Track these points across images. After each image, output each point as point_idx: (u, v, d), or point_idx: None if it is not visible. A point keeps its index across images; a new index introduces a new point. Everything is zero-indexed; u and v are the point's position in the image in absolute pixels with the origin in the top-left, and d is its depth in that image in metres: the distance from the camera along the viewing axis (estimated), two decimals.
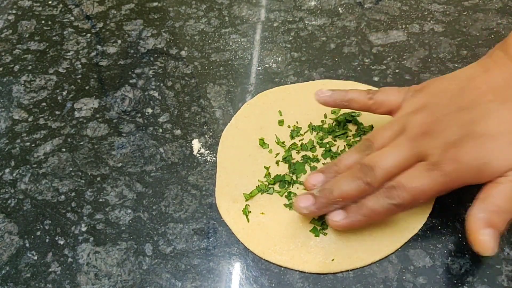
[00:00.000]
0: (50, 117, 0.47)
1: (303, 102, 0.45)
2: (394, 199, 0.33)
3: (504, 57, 0.36)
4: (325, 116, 0.44)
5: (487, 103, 0.34)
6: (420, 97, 0.37)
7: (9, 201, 0.42)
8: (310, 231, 0.37)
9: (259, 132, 0.44)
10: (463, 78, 0.37)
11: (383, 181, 0.34)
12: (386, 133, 0.36)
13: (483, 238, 0.31)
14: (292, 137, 0.43)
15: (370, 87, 0.46)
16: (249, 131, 0.44)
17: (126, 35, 0.55)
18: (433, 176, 0.33)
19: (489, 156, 0.32)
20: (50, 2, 0.60)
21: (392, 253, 0.36)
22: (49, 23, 0.57)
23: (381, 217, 0.35)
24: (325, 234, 0.37)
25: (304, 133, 0.43)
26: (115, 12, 0.58)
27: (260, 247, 0.37)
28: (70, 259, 0.38)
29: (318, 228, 0.37)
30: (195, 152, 0.44)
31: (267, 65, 0.50)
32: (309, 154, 0.42)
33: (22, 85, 0.51)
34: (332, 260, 0.36)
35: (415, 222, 0.37)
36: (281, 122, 0.44)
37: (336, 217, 0.35)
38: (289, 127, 0.44)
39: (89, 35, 0.55)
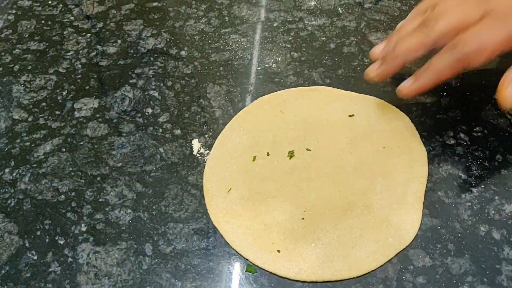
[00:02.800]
0: (50, 117, 0.47)
1: (303, 106, 0.45)
2: (458, 52, 0.33)
3: None
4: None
5: None
6: None
7: (9, 201, 0.42)
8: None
9: (254, 146, 0.43)
10: None
11: (444, 34, 0.34)
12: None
13: (509, 93, 0.31)
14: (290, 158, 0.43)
15: (370, 97, 0.46)
16: (242, 145, 0.44)
17: (126, 35, 0.55)
18: (502, 29, 0.32)
19: None
20: (50, 2, 0.60)
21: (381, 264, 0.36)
22: (49, 23, 0.57)
23: (448, 75, 0.35)
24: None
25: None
26: (115, 12, 0.58)
27: (252, 254, 0.37)
28: (70, 259, 0.38)
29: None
30: (195, 152, 0.44)
31: (267, 65, 0.50)
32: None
33: (22, 85, 0.51)
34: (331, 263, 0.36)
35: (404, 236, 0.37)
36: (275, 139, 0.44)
37: (406, 83, 0.35)
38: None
39: (89, 35, 0.55)
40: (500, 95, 0.32)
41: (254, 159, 0.42)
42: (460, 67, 0.34)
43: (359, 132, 0.43)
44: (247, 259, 0.37)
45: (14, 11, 0.59)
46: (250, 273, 0.36)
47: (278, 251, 0.37)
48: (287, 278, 0.35)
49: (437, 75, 0.35)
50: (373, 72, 0.36)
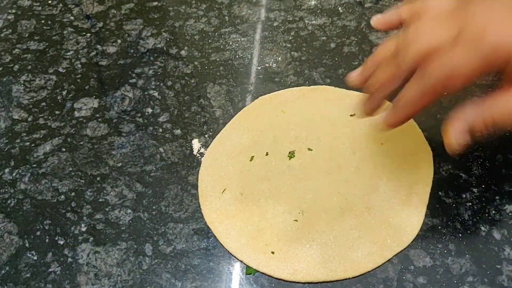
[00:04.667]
0: (49, 117, 0.47)
1: (304, 107, 0.45)
2: (428, 80, 0.31)
3: None
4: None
5: None
6: None
7: (8, 201, 0.41)
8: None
9: (252, 147, 0.43)
10: None
11: (415, 62, 0.32)
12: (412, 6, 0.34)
13: (455, 134, 0.30)
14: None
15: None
16: (240, 145, 0.43)
17: (126, 34, 0.55)
18: (470, 54, 0.29)
19: None
20: (50, 2, 0.60)
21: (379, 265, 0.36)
22: (49, 22, 0.57)
23: (422, 104, 0.32)
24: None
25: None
26: (115, 11, 0.58)
27: (246, 255, 0.37)
28: (70, 259, 0.38)
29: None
30: (195, 152, 0.44)
31: (267, 65, 0.50)
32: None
33: (22, 85, 0.51)
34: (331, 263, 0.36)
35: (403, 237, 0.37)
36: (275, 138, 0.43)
37: (384, 116, 0.34)
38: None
39: (89, 34, 0.55)
40: (446, 140, 0.30)
41: (251, 159, 0.42)
42: (433, 95, 0.32)
43: (362, 132, 0.43)
44: (241, 261, 0.37)
45: (14, 11, 0.59)
46: (250, 275, 0.36)
47: (272, 252, 0.37)
48: (282, 280, 0.35)
49: (410, 107, 0.32)
50: (359, 108, 0.35)
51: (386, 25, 0.38)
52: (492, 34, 0.29)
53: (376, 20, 0.38)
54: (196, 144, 0.44)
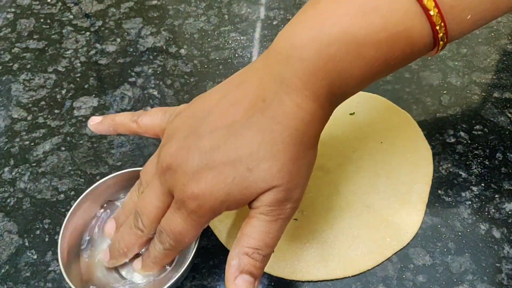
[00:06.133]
0: (49, 116, 0.47)
1: None
2: (164, 244, 0.31)
3: (261, 66, 0.30)
4: None
5: (232, 124, 0.29)
6: (177, 122, 0.32)
7: (8, 200, 0.41)
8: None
9: None
10: (218, 94, 0.31)
11: (153, 225, 0.32)
12: (149, 168, 0.33)
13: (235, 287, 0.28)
14: None
15: (370, 95, 0.46)
16: None
17: (125, 33, 0.55)
18: (182, 216, 0.30)
19: (229, 186, 0.28)
20: (49, 1, 0.59)
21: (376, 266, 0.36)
22: (48, 21, 0.57)
23: (167, 260, 0.33)
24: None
25: None
26: (114, 10, 0.58)
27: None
28: None
29: None
30: None
31: None
32: None
33: (21, 84, 0.51)
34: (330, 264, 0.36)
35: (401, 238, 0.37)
36: None
37: (136, 266, 0.34)
38: None
39: (88, 33, 0.55)
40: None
41: None
42: (173, 255, 0.33)
43: (361, 130, 0.43)
44: None
45: (13, 10, 0.59)
46: None
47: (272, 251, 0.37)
48: (282, 278, 0.35)
49: (157, 263, 0.33)
50: (106, 262, 0.35)
51: (102, 131, 0.38)
52: (190, 201, 0.29)
53: (93, 124, 0.38)
54: None
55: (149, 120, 0.35)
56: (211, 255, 0.37)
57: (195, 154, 0.29)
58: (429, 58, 0.49)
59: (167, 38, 0.54)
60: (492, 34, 0.51)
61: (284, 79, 0.29)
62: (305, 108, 0.29)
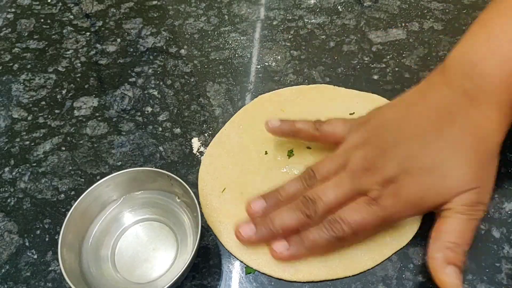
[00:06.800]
0: (49, 116, 0.47)
1: (302, 108, 0.45)
2: (335, 232, 0.34)
3: (440, 81, 0.35)
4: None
5: (424, 134, 0.34)
6: (363, 131, 0.37)
7: (8, 200, 0.42)
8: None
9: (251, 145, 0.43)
10: (402, 107, 0.37)
11: (324, 215, 0.34)
12: (329, 166, 0.37)
13: (446, 277, 0.31)
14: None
15: (370, 95, 0.46)
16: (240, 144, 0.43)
17: (126, 33, 0.55)
18: (373, 210, 0.33)
19: (424, 191, 0.33)
20: (49, 1, 0.60)
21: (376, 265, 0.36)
22: (48, 21, 0.57)
23: (323, 250, 0.35)
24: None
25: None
26: (115, 10, 0.58)
27: (246, 256, 0.37)
28: None
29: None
30: (194, 151, 0.44)
31: (266, 64, 0.50)
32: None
33: (22, 84, 0.51)
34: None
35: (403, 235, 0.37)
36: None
37: (279, 248, 0.35)
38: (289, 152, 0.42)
39: (88, 33, 0.55)
40: (441, 283, 0.31)
41: (251, 158, 0.42)
42: (336, 245, 0.35)
43: None
44: (241, 261, 0.37)
45: (13, 10, 0.59)
46: (250, 274, 0.36)
47: None
48: (283, 280, 0.35)
49: (311, 250, 0.35)
50: (247, 237, 0.36)
51: (279, 134, 0.41)
52: (387, 199, 0.33)
53: (271, 127, 0.40)
54: (195, 143, 0.44)
55: (331, 128, 0.39)
56: (211, 255, 0.37)
57: (393, 160, 0.34)
58: (428, 58, 0.49)
59: (167, 38, 0.54)
60: None
61: (467, 92, 0.33)
62: (492, 119, 0.33)
